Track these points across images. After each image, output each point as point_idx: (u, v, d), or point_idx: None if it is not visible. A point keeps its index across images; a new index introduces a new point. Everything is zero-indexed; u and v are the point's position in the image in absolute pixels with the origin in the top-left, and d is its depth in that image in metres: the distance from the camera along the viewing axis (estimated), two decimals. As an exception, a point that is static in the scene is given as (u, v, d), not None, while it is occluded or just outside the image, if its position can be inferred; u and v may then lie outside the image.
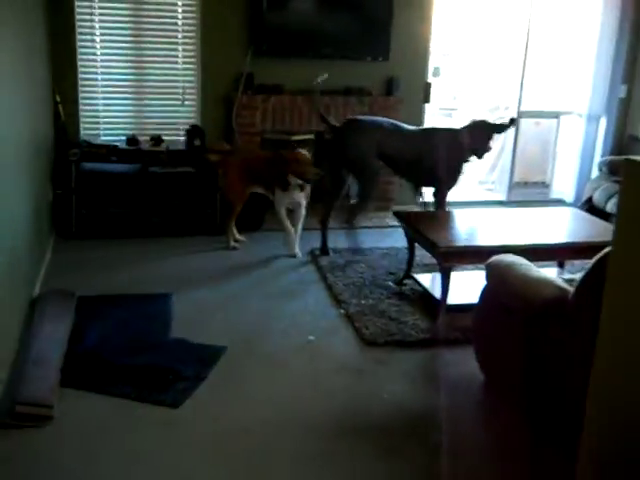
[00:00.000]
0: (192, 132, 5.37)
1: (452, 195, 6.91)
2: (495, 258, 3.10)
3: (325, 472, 2.58)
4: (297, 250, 4.96)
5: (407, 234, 4.35)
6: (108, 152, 5.09)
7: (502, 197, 6.90)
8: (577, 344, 2.54)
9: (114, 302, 3.97)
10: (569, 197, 6.83)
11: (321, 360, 3.44)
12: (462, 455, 2.73)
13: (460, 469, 2.65)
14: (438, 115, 9.12)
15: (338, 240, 5.15)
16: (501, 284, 2.97)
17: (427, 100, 6.23)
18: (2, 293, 3.22)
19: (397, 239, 5.05)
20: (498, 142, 7.36)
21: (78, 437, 2.73)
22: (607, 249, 2.24)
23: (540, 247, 3.86)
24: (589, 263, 2.51)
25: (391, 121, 4.90)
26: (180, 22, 5.53)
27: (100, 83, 5.46)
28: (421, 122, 6.25)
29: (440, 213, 4.75)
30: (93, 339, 3.45)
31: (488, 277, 3.11)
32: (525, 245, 3.80)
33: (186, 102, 5.66)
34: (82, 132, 5.46)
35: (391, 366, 3.41)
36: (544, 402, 2.86)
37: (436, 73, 6.83)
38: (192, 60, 5.59)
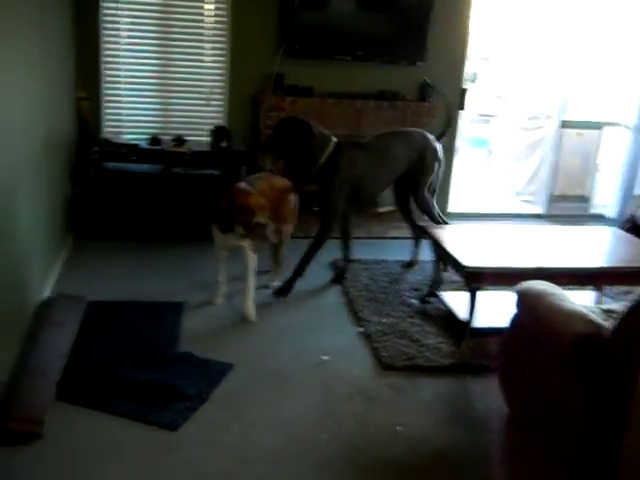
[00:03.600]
0: (218, 133, 5.20)
1: (486, 206, 6.67)
2: (525, 285, 2.84)
3: (327, 514, 2.37)
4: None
5: (434, 250, 4.10)
6: (128, 151, 4.94)
7: (540, 210, 6.59)
8: (613, 382, 2.28)
9: (124, 309, 3.81)
10: (610, 213, 6.49)
11: (333, 383, 3.22)
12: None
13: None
14: (475, 122, 8.85)
15: (364, 251, 4.93)
16: (530, 315, 2.72)
17: (462, 107, 5.95)
18: (9, 295, 3.10)
19: (424, 251, 4.80)
20: (538, 152, 7.06)
21: (65, 459, 2.56)
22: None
23: (577, 271, 3.58)
24: (633, 292, 2.25)
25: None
26: (209, 19, 5.36)
27: (124, 80, 5.31)
28: (455, 129, 5.98)
29: (470, 228, 4.49)
30: (97, 349, 3.30)
31: (518, 305, 2.86)
32: (560, 269, 3.54)
33: (212, 102, 5.49)
34: (104, 130, 5.33)
35: (409, 394, 3.18)
36: (574, 445, 2.60)
37: (473, 79, 6.55)
38: (220, 59, 5.41)
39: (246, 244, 3.78)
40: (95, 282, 4.17)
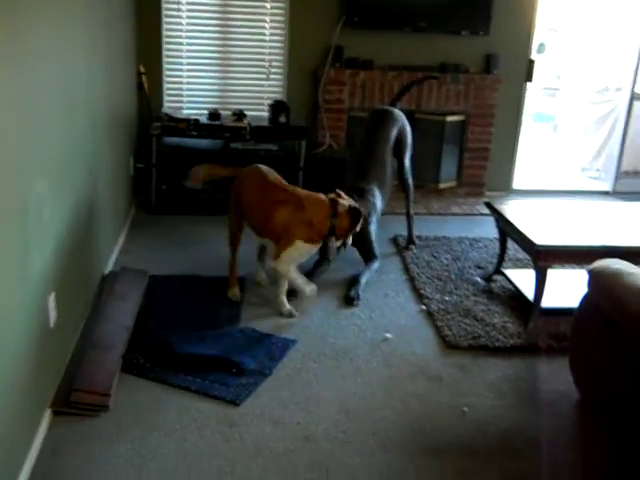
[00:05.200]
0: (276, 107, 5.14)
1: (552, 183, 6.45)
2: (600, 264, 2.71)
3: (392, 494, 2.33)
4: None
5: (499, 227, 3.98)
6: (188, 126, 4.93)
7: (607, 187, 6.34)
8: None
9: (185, 283, 3.83)
10: (684, 190, 6.21)
11: (397, 362, 3.17)
12: (549, 487, 2.41)
13: (546, 503, 2.33)
14: (540, 95, 8.57)
15: (424, 227, 4.83)
16: (606, 295, 2.59)
17: (529, 79, 5.74)
18: (79, 266, 3.15)
19: (488, 229, 4.67)
20: (606, 126, 6.79)
21: (133, 429, 2.58)
22: None
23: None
24: None
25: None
26: (269, -8, 5.30)
27: (185, 54, 5.31)
28: (521, 102, 5.79)
29: (536, 205, 4.34)
30: (159, 324, 3.32)
31: (591, 285, 2.73)
32: (633, 247, 3.37)
33: (272, 76, 5.44)
34: (165, 105, 5.35)
35: (474, 374, 3.10)
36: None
37: (541, 50, 6.31)
38: (280, 32, 5.34)
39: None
40: (156, 256, 4.21)
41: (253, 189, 3.57)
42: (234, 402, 2.77)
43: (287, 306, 3.57)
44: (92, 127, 3.48)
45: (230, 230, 3.74)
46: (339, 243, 3.54)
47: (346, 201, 3.47)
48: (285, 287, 3.57)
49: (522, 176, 6.15)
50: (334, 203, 3.42)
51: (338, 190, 3.56)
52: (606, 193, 6.27)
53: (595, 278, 2.69)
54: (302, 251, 3.45)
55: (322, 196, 3.47)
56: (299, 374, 3.02)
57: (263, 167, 3.67)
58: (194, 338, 3.20)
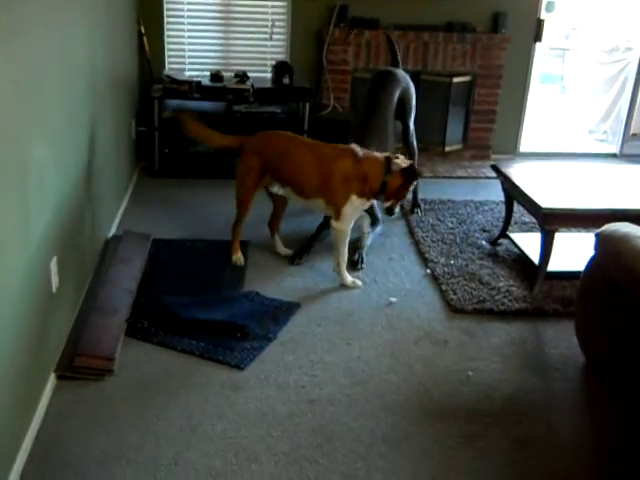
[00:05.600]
0: (280, 69, 5.05)
1: (557, 145, 6.36)
2: (608, 227, 2.67)
3: (396, 456, 2.33)
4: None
5: (505, 190, 3.93)
6: (190, 88, 4.85)
7: (615, 150, 6.25)
8: None
9: (188, 247, 3.81)
10: (693, 152, 6.12)
11: (401, 326, 3.16)
12: (552, 450, 2.41)
13: (549, 465, 2.33)
14: (548, 56, 8.42)
15: (429, 190, 4.79)
16: (614, 258, 2.56)
17: (539, 39, 5.62)
18: (80, 235, 3.13)
19: (493, 192, 4.63)
20: (615, 87, 6.66)
21: (138, 393, 2.59)
22: None
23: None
24: None
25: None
26: (271, -51, 5.16)
27: (186, 14, 5.20)
28: (529, 63, 5.67)
29: (543, 168, 4.28)
30: (163, 288, 3.31)
31: (599, 248, 2.70)
32: (642, 210, 3.33)
33: (274, 37, 5.33)
34: (167, 67, 5.26)
35: (479, 338, 3.09)
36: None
37: (550, 8, 6.16)
38: (282, -10, 5.23)
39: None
40: (160, 219, 4.18)
41: (291, 150, 3.47)
42: (238, 366, 2.77)
43: (349, 277, 3.51)
44: (92, 91, 3.42)
45: (242, 197, 3.64)
46: (388, 203, 3.47)
47: (401, 161, 3.38)
48: (345, 254, 3.47)
49: (529, 139, 6.06)
50: (388, 160, 3.35)
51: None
52: (613, 155, 6.18)
53: (603, 242, 2.66)
54: (357, 206, 3.40)
55: (377, 154, 3.41)
56: (303, 338, 3.01)
57: (277, 131, 3.64)
58: (198, 302, 3.18)
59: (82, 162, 3.17)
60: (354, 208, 3.39)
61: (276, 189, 3.58)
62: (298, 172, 3.44)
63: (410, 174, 3.37)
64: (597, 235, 2.71)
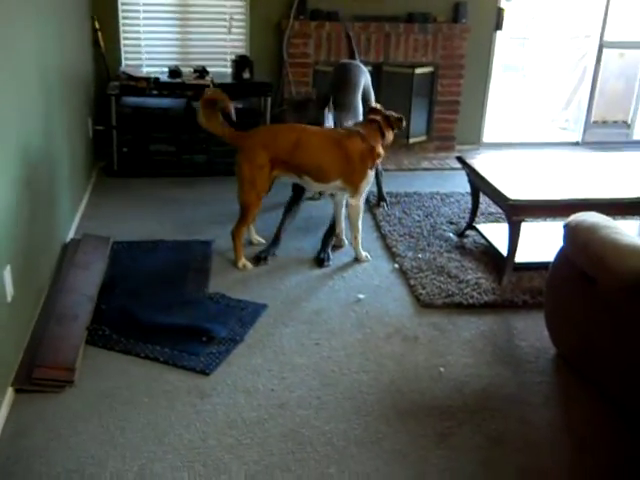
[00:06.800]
0: (240, 63, 4.95)
1: (520, 135, 6.38)
2: (576, 217, 2.65)
3: (369, 459, 2.27)
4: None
5: (471, 181, 3.90)
6: (148, 85, 4.73)
7: (577, 138, 6.29)
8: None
9: (150, 249, 3.70)
10: (654, 139, 6.19)
11: (371, 323, 3.10)
12: (526, 445, 2.38)
13: (524, 462, 2.30)
14: (509, 44, 8.43)
15: (394, 183, 4.74)
16: (582, 249, 2.53)
17: (499, 27, 5.61)
18: (36, 236, 3.00)
19: (459, 183, 4.61)
20: (575, 75, 6.71)
21: (100, 404, 2.49)
22: None
23: (626, 202, 3.37)
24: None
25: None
26: (227, -61, 5.05)
27: (142, 9, 5.07)
28: (490, 52, 5.66)
29: (507, 157, 4.27)
30: (124, 292, 3.20)
31: (567, 239, 2.67)
32: (609, 199, 3.33)
33: (233, 30, 5.22)
34: (124, 63, 5.12)
35: (449, 333, 3.05)
36: (626, 385, 2.47)
37: (509, -3, 6.15)
38: (240, -18, 5.12)
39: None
40: (120, 220, 4.07)
41: (304, 140, 3.47)
42: (204, 372, 2.68)
43: (363, 251, 3.70)
44: (43, 88, 3.29)
45: (251, 200, 3.51)
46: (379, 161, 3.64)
47: (380, 115, 3.60)
48: (360, 229, 3.66)
49: (492, 129, 6.06)
50: (377, 124, 3.55)
51: (374, 106, 3.75)
52: (576, 144, 6.23)
53: (571, 232, 2.63)
54: (370, 180, 3.60)
55: (365, 122, 3.63)
56: (271, 340, 2.94)
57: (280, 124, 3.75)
58: (161, 307, 3.09)
59: (32, 164, 3.02)
60: (368, 182, 3.59)
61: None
62: (317, 159, 3.50)
63: (399, 121, 3.61)
64: (565, 226, 2.69)
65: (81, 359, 2.69)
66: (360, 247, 3.68)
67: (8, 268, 2.52)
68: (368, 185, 3.62)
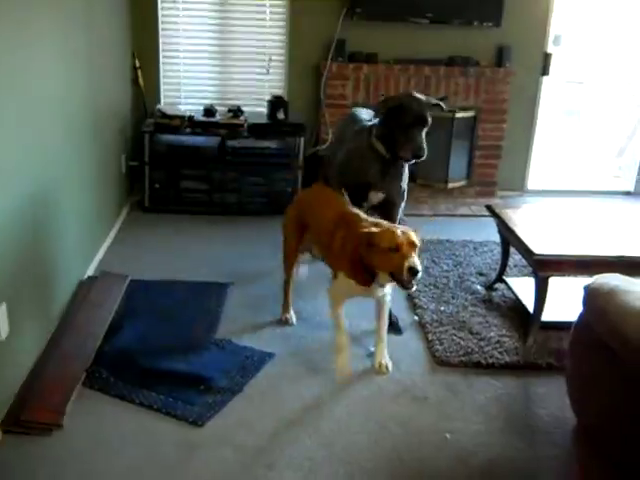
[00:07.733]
0: (275, 104, 4.93)
1: (570, 182, 6.13)
2: (597, 280, 2.45)
3: (355, 533, 2.11)
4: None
5: (500, 232, 3.72)
6: (182, 123, 4.75)
7: (629, 187, 5.99)
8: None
9: (166, 289, 3.64)
10: None
11: (380, 380, 2.94)
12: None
13: None
14: (564, 88, 8.22)
15: (427, 229, 4.58)
16: (599, 315, 2.33)
17: (546, 72, 5.44)
18: (39, 279, 2.98)
19: (495, 231, 4.40)
20: (631, 121, 6.43)
21: (86, 451, 2.41)
22: None
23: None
24: None
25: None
26: (269, -17, 5.07)
27: (182, 47, 5.13)
28: (536, 97, 5.48)
29: (544, 208, 4.06)
30: (130, 333, 3.13)
31: (586, 303, 2.47)
32: (645, 258, 3.10)
33: (272, 70, 5.22)
34: (163, 101, 5.17)
35: (462, 395, 2.85)
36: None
37: (557, 42, 5.97)
38: (280, 24, 5.12)
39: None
40: (143, 257, 4.04)
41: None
42: (197, 423, 2.57)
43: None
44: (68, 125, 3.31)
45: (285, 251, 3.34)
46: None
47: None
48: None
49: (541, 175, 5.83)
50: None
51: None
52: (627, 193, 5.93)
53: (590, 297, 2.42)
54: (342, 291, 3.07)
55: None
56: (271, 392, 2.81)
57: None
58: (164, 350, 3.01)
59: (38, 206, 2.96)
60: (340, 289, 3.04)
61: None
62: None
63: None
64: (585, 288, 2.48)
65: (74, 402, 2.63)
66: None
67: (4, 306, 2.49)
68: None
